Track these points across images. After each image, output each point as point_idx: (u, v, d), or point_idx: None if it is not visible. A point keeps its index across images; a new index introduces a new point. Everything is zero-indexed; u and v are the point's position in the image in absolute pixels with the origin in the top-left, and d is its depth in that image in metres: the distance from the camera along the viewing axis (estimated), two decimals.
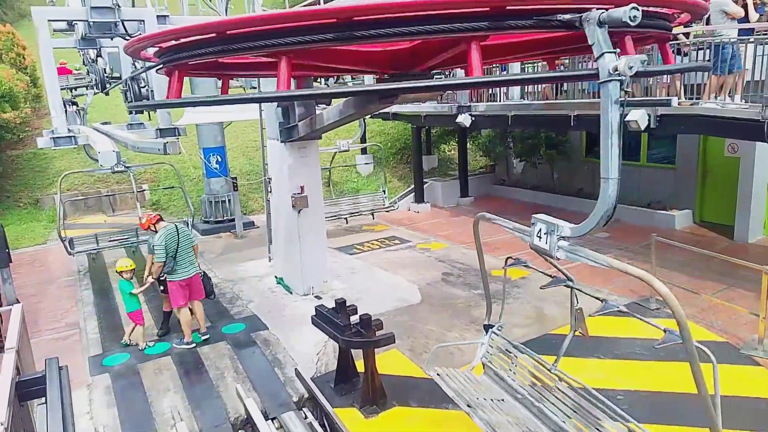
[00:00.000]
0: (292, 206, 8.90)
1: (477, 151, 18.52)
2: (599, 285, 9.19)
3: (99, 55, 11.89)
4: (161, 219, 7.79)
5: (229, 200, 14.48)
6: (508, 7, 2.90)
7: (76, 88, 15.26)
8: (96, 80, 10.58)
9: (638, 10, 2.63)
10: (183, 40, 3.28)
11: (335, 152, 10.57)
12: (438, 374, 5.40)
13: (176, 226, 7.56)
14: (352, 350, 6.33)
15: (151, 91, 6.17)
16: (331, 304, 6.46)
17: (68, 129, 6.04)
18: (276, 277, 10.07)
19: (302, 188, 8.92)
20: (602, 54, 2.75)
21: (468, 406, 4.94)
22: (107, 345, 7.75)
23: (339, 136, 20.34)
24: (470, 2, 2.85)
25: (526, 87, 9.74)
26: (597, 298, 4.66)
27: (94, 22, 5.86)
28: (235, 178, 13.96)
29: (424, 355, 7.11)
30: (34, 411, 5.25)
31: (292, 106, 8.44)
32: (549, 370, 4.84)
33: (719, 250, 9.38)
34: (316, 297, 9.13)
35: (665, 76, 8.13)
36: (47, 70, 5.69)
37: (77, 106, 13.85)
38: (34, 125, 21.46)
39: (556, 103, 10.18)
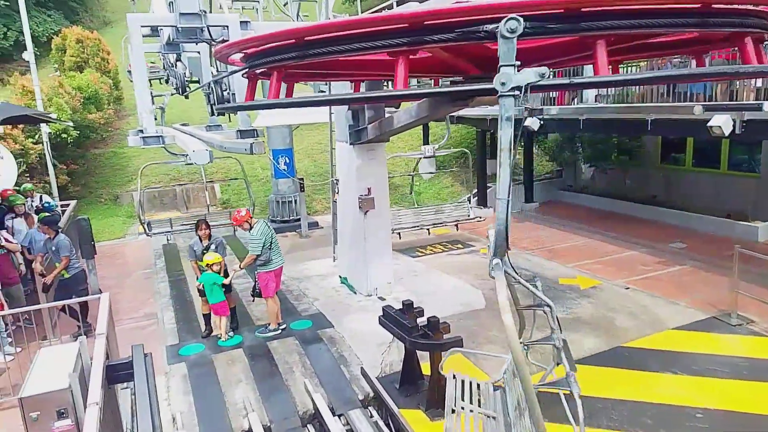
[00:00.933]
0: (359, 207, 9.02)
1: (543, 155, 18.10)
2: (676, 297, 8.77)
3: (179, 59, 12.54)
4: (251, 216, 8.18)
5: (296, 201, 14.85)
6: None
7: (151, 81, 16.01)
8: (176, 84, 11.10)
9: (518, 21, 2.51)
10: (308, 38, 3.38)
11: (420, 158, 10.04)
12: (454, 376, 5.24)
13: (265, 221, 8.01)
14: (418, 352, 6.36)
15: (233, 94, 6.43)
16: (395, 306, 6.52)
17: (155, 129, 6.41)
18: (340, 276, 10.24)
19: (369, 190, 9.03)
20: (500, 67, 2.62)
21: (452, 411, 4.75)
22: (183, 336, 8.13)
23: (401, 140, 20.50)
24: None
25: (599, 90, 9.44)
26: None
27: (181, 27, 6.19)
28: (302, 179, 14.32)
29: (488, 360, 7.03)
30: (118, 394, 5.58)
31: (362, 108, 8.56)
32: None
33: None
34: (379, 298, 9.21)
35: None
36: (138, 72, 6.06)
37: (154, 104, 14.72)
38: (115, 126, 22.87)
39: (631, 107, 9.81)
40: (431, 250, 12.36)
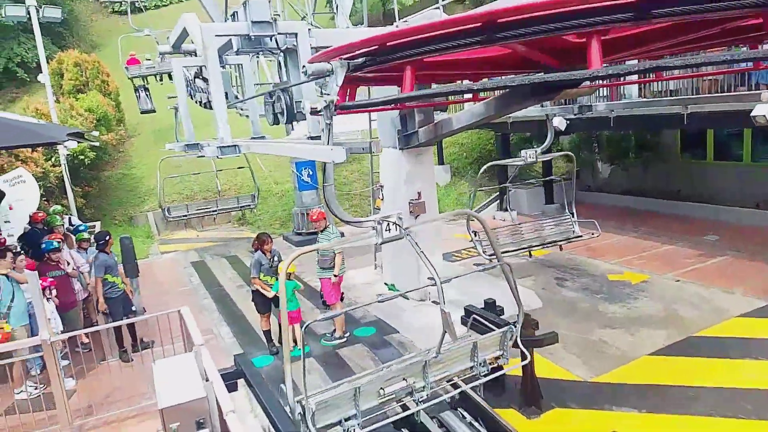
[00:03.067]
0: (410, 212, 9.00)
1: (559, 157, 18.24)
2: (729, 287, 8.85)
3: (198, 75, 12.55)
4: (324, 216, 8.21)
5: None
6: None
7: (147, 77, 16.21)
8: (209, 99, 11.07)
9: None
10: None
11: (520, 165, 8.86)
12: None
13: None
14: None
15: (297, 102, 6.42)
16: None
17: (232, 140, 6.36)
18: (386, 283, 10.16)
19: (419, 194, 9.02)
20: None
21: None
22: (247, 349, 8.00)
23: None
24: None
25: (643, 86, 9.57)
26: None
27: (254, 36, 6.18)
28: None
29: (567, 359, 7.02)
30: None
31: (411, 113, 8.57)
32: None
33: None
34: (433, 302, 9.16)
35: None
36: (215, 84, 6.01)
37: (147, 90, 15.75)
38: (122, 147, 22.70)
39: (664, 100, 9.93)
40: (467, 253, 12.37)
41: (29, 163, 13.63)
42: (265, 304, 7.88)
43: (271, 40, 6.34)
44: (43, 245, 8.10)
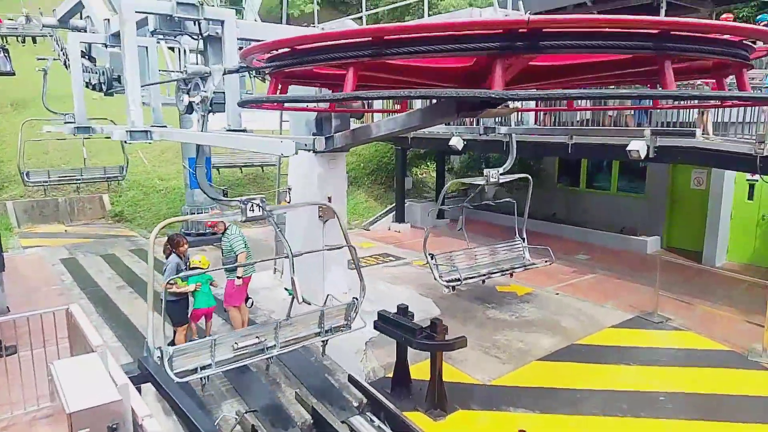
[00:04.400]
0: (319, 216, 8.93)
1: (449, 175, 19.19)
2: (600, 301, 9.86)
3: (88, 54, 11.50)
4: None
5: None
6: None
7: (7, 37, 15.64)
8: (100, 80, 10.15)
9: None
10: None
11: (482, 185, 8.62)
12: None
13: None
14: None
15: (222, 93, 6.15)
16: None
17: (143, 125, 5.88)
18: (286, 289, 9.94)
19: (330, 198, 8.99)
20: None
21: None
22: (136, 352, 7.36)
23: None
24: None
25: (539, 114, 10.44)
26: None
27: (178, 17, 5.82)
28: (226, 189, 13.68)
29: (464, 362, 7.36)
30: None
31: (328, 117, 8.56)
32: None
33: (693, 272, 10.36)
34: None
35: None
36: (130, 64, 5.55)
37: (7, 52, 15.00)
38: None
39: (557, 129, 10.92)
40: (366, 262, 12.50)
41: None
42: (183, 313, 7.30)
43: (195, 24, 5.99)
44: None
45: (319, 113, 8.51)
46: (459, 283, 8.54)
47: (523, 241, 9.83)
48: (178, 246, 7.24)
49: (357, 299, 6.15)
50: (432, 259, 8.64)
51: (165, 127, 8.53)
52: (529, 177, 9.46)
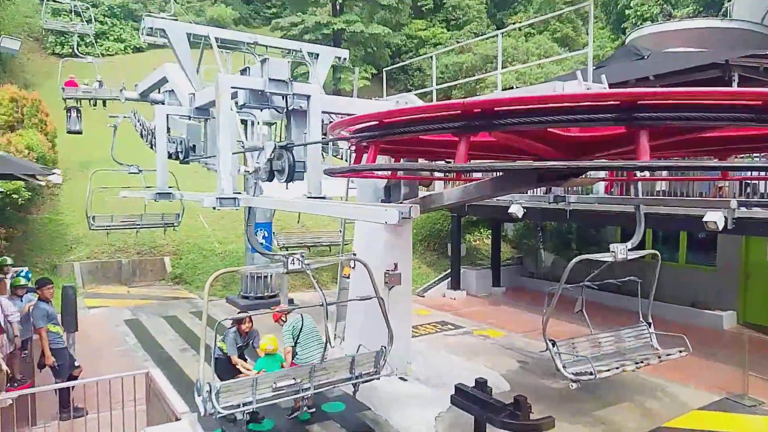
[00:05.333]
0: (384, 283, 8.87)
1: (505, 242, 18.96)
2: (684, 380, 9.22)
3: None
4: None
5: (272, 276, 14.28)
6: None
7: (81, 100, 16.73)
8: (177, 149, 10.73)
9: None
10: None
11: (608, 262, 7.29)
12: None
13: (302, 315, 7.63)
14: None
15: (301, 162, 6.36)
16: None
17: (233, 192, 6.11)
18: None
19: (396, 265, 8.96)
20: None
21: None
22: (202, 420, 7.28)
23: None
24: None
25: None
26: None
27: (268, 92, 6.14)
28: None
29: None
30: None
31: (397, 184, 8.68)
32: None
33: None
34: (400, 378, 8.87)
35: None
36: (224, 135, 5.83)
37: (79, 112, 16.57)
38: (45, 192, 21.21)
39: (620, 198, 10.68)
40: (425, 330, 12.25)
41: None
42: (231, 373, 7.26)
43: (283, 98, 6.30)
44: None
45: (389, 180, 8.65)
46: (592, 377, 7.05)
47: (650, 327, 8.80)
48: (240, 323, 7.34)
49: (385, 347, 6.57)
50: (553, 346, 7.21)
51: (239, 194, 8.85)
52: (658, 253, 8.70)
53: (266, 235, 14.47)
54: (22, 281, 8.55)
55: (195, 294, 16.24)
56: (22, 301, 8.29)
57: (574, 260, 6.83)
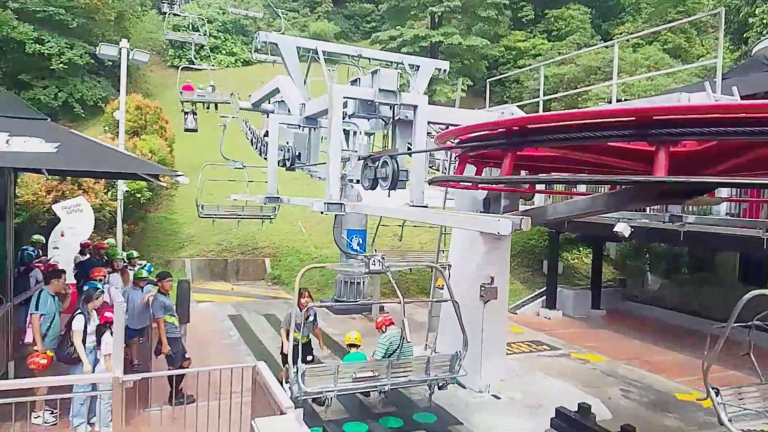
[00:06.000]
0: (480, 296, 8.74)
1: (606, 262, 18.02)
2: None
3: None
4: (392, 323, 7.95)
5: (364, 282, 14.56)
6: None
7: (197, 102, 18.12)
8: (284, 157, 11.29)
9: None
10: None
11: None
12: None
13: (403, 336, 7.60)
14: None
15: (406, 171, 6.43)
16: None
17: (340, 198, 6.34)
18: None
19: (492, 279, 8.80)
20: None
21: None
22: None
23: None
24: None
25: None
26: None
27: (378, 103, 6.31)
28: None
29: None
30: None
31: (497, 197, 8.54)
32: None
33: None
34: (493, 396, 8.67)
35: None
36: (334, 143, 6.06)
37: (195, 114, 17.88)
38: (163, 192, 23.06)
39: (746, 221, 9.77)
40: (518, 348, 11.89)
41: (90, 194, 13.77)
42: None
43: (390, 108, 6.43)
44: (86, 285, 7.82)
45: (489, 192, 8.53)
46: None
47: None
48: (300, 297, 7.65)
49: (461, 351, 6.77)
50: (717, 395, 5.82)
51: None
52: None
53: (360, 242, 14.76)
54: (144, 273, 9.31)
55: (292, 295, 16.84)
56: (142, 291, 9.03)
57: (748, 295, 5.67)
